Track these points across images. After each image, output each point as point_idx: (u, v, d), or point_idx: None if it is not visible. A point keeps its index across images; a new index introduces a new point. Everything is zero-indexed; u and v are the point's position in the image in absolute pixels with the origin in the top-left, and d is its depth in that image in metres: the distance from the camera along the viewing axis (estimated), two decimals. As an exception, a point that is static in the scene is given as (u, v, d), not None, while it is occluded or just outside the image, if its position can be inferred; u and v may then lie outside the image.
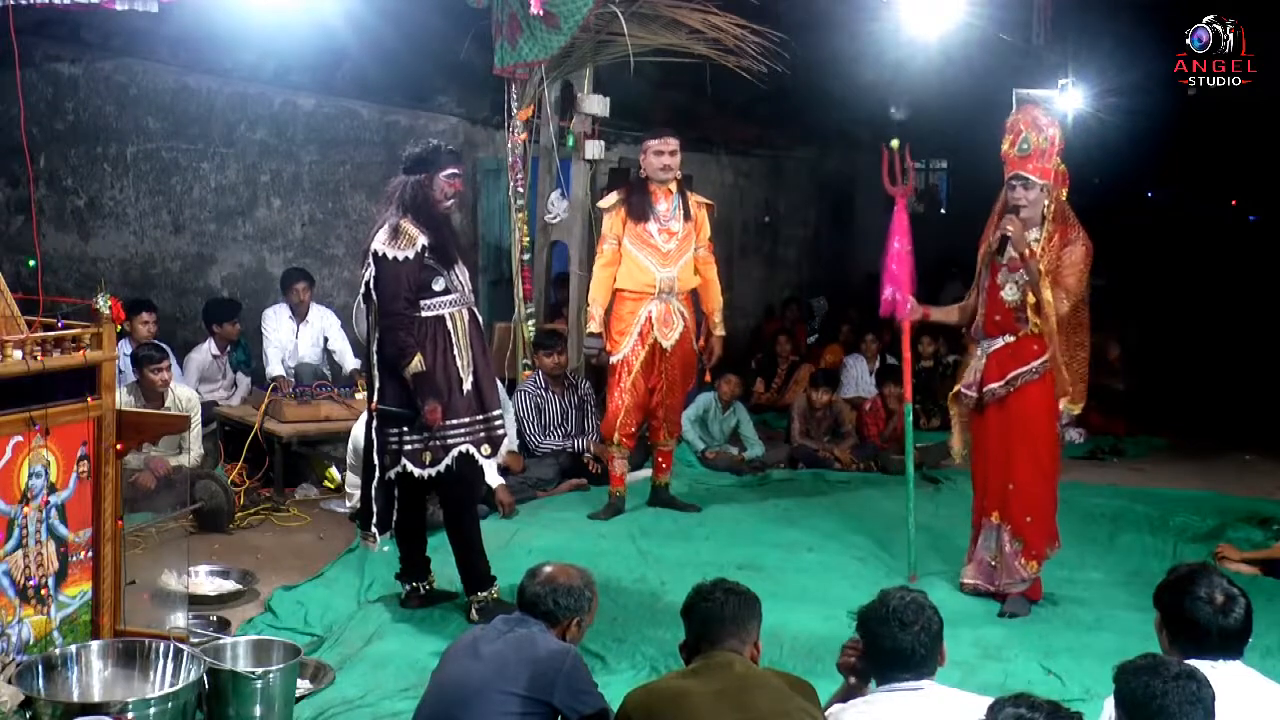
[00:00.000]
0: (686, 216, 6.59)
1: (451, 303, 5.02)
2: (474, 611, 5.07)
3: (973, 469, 5.67)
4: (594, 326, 6.62)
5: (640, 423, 6.77)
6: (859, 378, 9.76)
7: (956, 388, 5.68)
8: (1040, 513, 5.39)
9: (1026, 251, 5.22)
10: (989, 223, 5.51)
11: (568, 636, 3.49)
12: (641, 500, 6.92)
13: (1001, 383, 5.37)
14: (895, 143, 5.75)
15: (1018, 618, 5.28)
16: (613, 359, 6.62)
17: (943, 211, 16.94)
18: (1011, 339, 5.36)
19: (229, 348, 8.05)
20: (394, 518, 5.18)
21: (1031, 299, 5.27)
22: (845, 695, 3.23)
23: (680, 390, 6.83)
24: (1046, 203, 5.28)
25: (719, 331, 6.83)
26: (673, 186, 6.59)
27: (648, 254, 6.52)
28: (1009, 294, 5.35)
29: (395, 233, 4.91)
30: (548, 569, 3.58)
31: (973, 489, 5.66)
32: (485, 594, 5.12)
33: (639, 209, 6.52)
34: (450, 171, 5.06)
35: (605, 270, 6.60)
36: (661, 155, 6.51)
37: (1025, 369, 5.33)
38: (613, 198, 6.69)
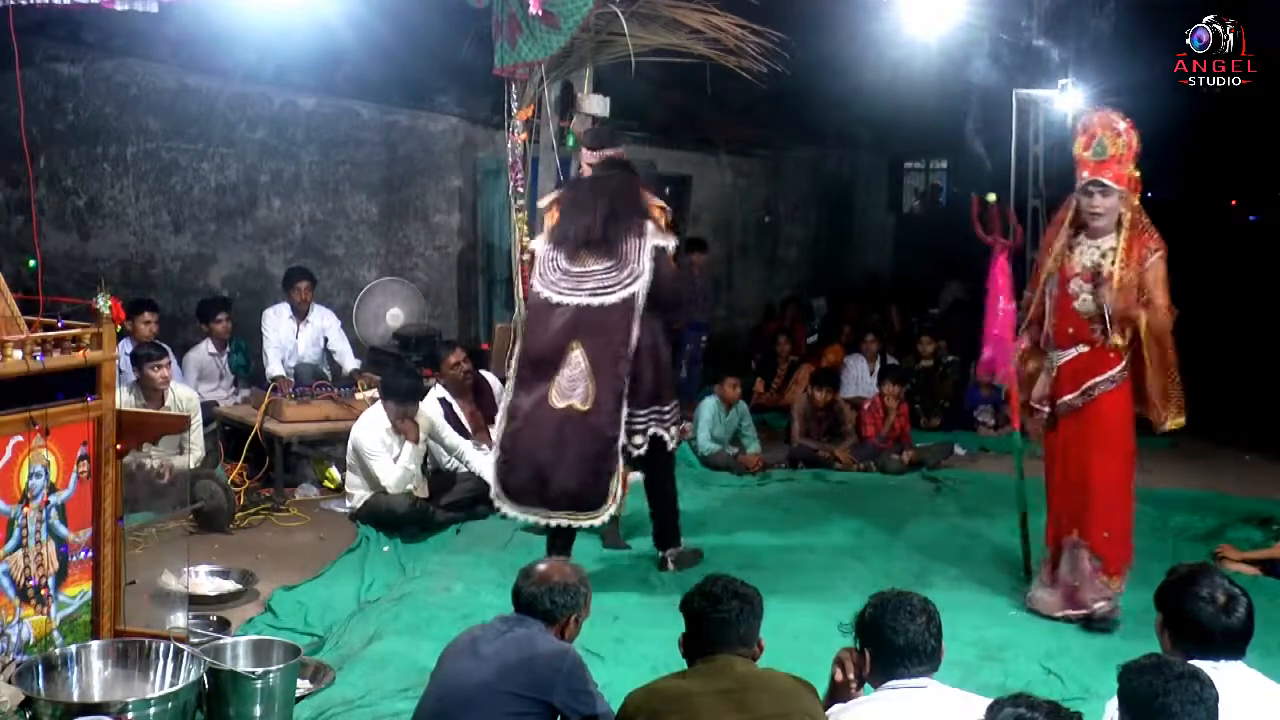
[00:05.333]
0: None
1: None
2: (669, 562, 5.80)
3: (1047, 486, 5.42)
4: None
5: None
6: (859, 378, 9.76)
7: (1024, 400, 5.49)
8: (1119, 528, 5.20)
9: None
10: (1050, 229, 5.35)
11: (566, 634, 3.49)
12: (643, 502, 6.82)
13: (1077, 393, 5.19)
14: (993, 196, 5.66)
15: (1106, 631, 5.11)
16: None
17: (942, 204, 16.95)
18: (1085, 349, 5.18)
19: (226, 346, 8.05)
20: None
21: (1144, 322, 5.06)
22: (833, 699, 3.22)
23: None
24: (1123, 211, 5.10)
25: None
26: None
27: None
28: (1082, 305, 5.14)
29: (662, 226, 5.48)
30: (541, 567, 3.56)
31: (1047, 507, 5.43)
32: (676, 549, 5.86)
33: None
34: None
35: None
36: (596, 167, 5.88)
37: (1102, 379, 5.15)
38: (550, 198, 6.29)
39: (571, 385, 5.42)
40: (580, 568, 3.65)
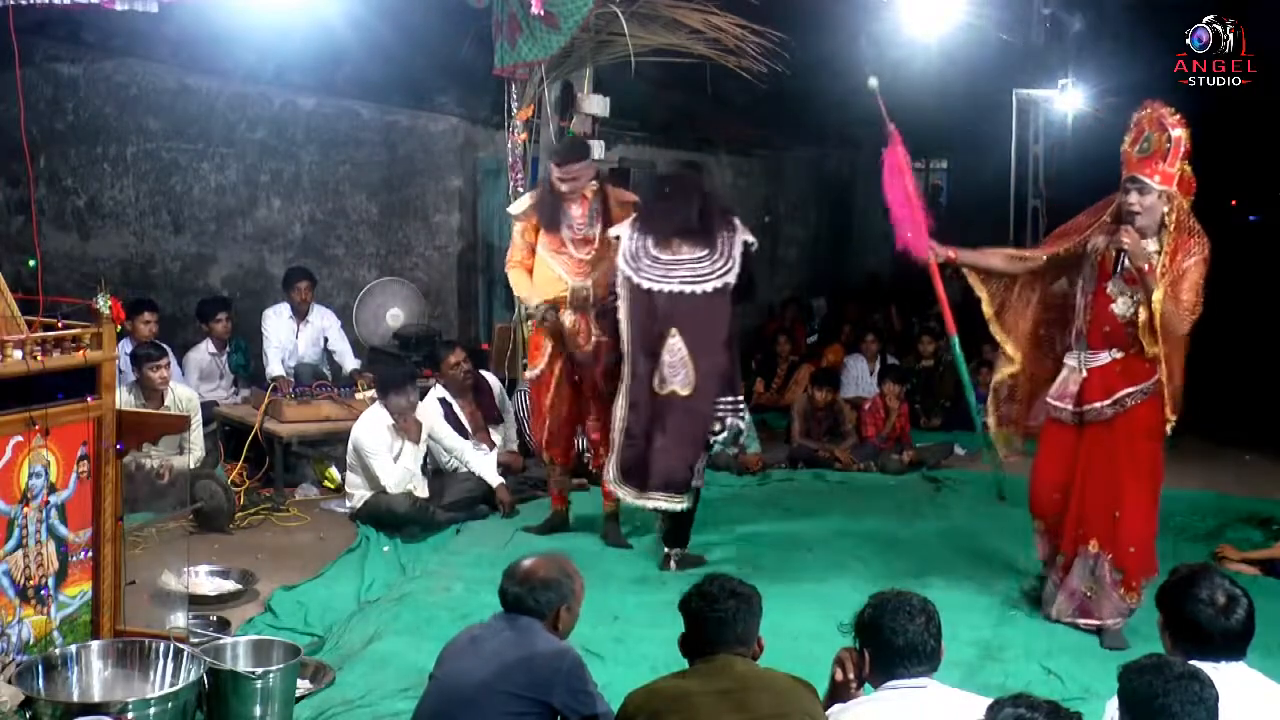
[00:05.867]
0: (608, 223, 6.09)
1: None
2: (672, 561, 5.82)
3: (1045, 487, 5.21)
4: (535, 301, 6.13)
5: (572, 438, 6.42)
6: (859, 377, 9.77)
7: (1020, 393, 5.36)
8: (1144, 543, 5.01)
9: (1145, 267, 4.73)
10: (1090, 217, 5.08)
11: (560, 625, 3.47)
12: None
13: (1109, 402, 4.97)
14: (873, 83, 5.66)
15: (1119, 650, 4.79)
16: (529, 374, 6.39)
17: (942, 204, 16.93)
18: (1120, 355, 4.96)
19: (226, 346, 8.06)
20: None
21: (1144, 315, 4.81)
22: (833, 699, 3.22)
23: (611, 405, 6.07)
24: (1166, 210, 4.81)
25: None
26: (588, 192, 6.11)
27: (560, 262, 6.08)
28: (1121, 308, 4.91)
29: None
30: (524, 564, 3.52)
31: (1061, 511, 5.17)
32: (681, 550, 5.87)
33: (550, 217, 6.06)
34: None
35: (517, 268, 6.18)
36: (564, 181, 6.01)
37: (1136, 389, 4.94)
38: (524, 202, 6.28)
39: (673, 371, 5.67)
40: (562, 558, 3.61)
